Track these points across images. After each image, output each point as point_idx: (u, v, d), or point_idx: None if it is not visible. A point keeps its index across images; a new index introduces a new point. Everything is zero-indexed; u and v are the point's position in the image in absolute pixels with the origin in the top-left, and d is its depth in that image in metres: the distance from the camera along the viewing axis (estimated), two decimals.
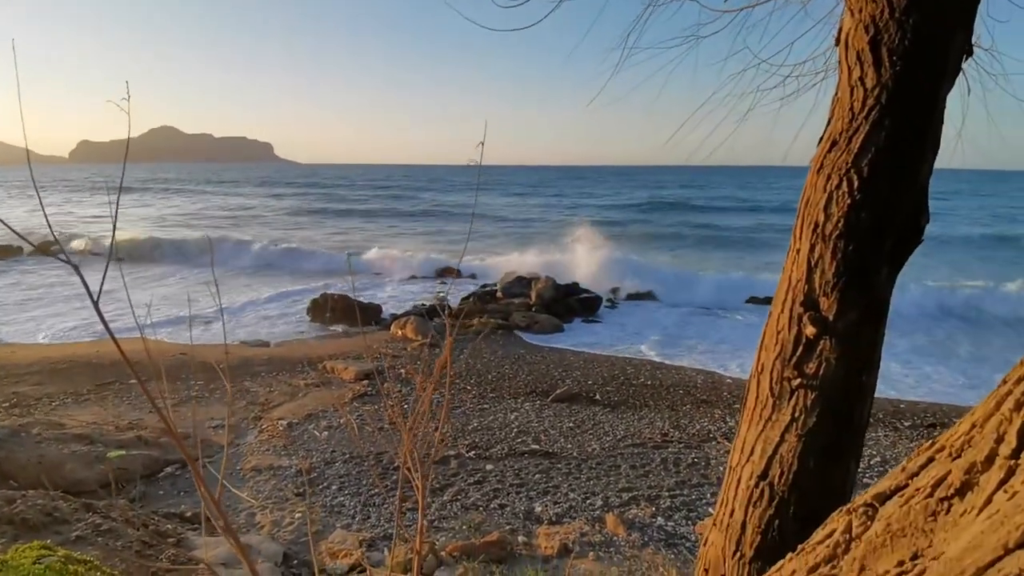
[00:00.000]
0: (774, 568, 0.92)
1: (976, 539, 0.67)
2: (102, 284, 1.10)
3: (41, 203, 1.02)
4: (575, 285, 19.29)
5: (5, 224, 1.06)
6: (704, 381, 11.31)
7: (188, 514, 6.38)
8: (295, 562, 5.61)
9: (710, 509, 6.67)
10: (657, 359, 13.13)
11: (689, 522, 6.46)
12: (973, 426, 0.76)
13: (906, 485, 0.83)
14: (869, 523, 0.81)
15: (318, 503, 6.84)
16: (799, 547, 0.91)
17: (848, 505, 0.86)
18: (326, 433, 8.71)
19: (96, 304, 1.13)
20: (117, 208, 1.16)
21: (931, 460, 0.82)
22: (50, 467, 7.09)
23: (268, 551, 5.53)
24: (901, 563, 0.73)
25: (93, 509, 5.38)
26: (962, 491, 0.73)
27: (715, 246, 32.62)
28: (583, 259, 22.83)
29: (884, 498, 0.84)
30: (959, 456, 0.77)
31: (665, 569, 5.55)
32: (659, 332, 15.65)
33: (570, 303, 17.62)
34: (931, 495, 0.76)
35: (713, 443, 8.48)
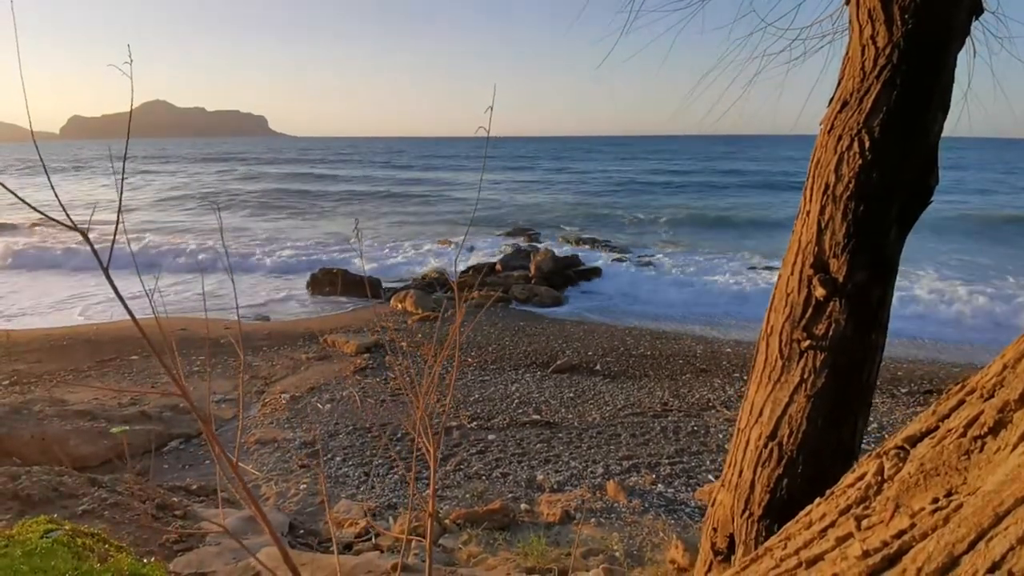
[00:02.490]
0: (802, 512, 0.94)
1: (1013, 472, 0.69)
2: (111, 253, 1.10)
3: (50, 180, 1.01)
4: (575, 257, 19.30)
5: (24, 201, 1.05)
6: (704, 351, 11.36)
7: (194, 487, 6.45)
8: (301, 532, 5.69)
9: (710, 476, 6.76)
10: (657, 329, 13.19)
11: (689, 489, 6.53)
12: (1005, 367, 0.78)
13: (937, 427, 0.85)
14: (901, 464, 0.84)
15: (323, 474, 6.91)
16: (828, 492, 0.93)
17: (878, 449, 0.88)
18: (329, 406, 8.76)
19: (107, 272, 1.12)
20: (123, 179, 1.15)
21: (962, 402, 0.85)
22: (53, 443, 7.13)
23: (274, 521, 5.59)
24: (936, 500, 0.76)
25: (99, 483, 5.43)
26: (995, 429, 0.76)
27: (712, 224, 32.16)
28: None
29: (915, 440, 0.87)
30: (991, 396, 0.79)
31: (665, 534, 5.64)
32: (660, 303, 15.69)
33: (569, 275, 17.63)
34: (964, 435, 0.79)
35: (712, 411, 8.55)
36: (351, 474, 6.85)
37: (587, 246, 23.73)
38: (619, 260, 20.83)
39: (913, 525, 0.75)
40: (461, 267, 19.40)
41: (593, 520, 5.92)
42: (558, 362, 10.53)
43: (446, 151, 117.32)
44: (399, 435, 7.62)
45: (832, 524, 0.86)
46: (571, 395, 9.18)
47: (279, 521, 5.64)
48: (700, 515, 6.08)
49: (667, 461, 7.09)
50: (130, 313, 1.18)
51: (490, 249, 22.50)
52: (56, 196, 0.98)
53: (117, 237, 1.27)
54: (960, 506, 0.72)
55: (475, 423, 8.12)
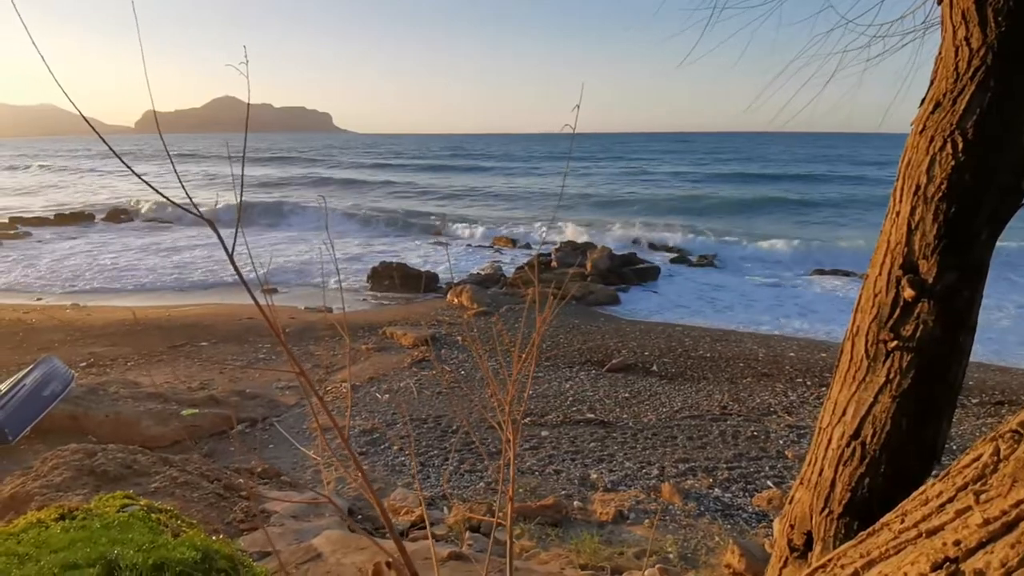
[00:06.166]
0: (917, 492, 1.01)
1: None
2: (235, 239, 1.19)
3: (176, 170, 1.10)
4: (632, 255, 19.15)
5: (165, 198, 1.15)
6: (766, 354, 11.12)
7: (259, 469, 6.70)
8: (359, 517, 5.86)
9: (769, 482, 6.65)
10: (717, 331, 12.97)
11: (747, 494, 6.44)
12: None
13: None
14: (1016, 445, 0.91)
15: (380, 462, 7.08)
16: (943, 472, 0.99)
17: (992, 433, 0.95)
18: (387, 396, 8.96)
19: (231, 257, 1.21)
20: (243, 171, 1.24)
21: None
22: (126, 423, 7.52)
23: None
24: None
25: (170, 463, 5.71)
26: None
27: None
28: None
29: None
30: None
31: (721, 538, 5.58)
32: (720, 304, 15.44)
33: (626, 272, 17.50)
34: None
35: (773, 417, 8.39)
36: (408, 463, 7.00)
37: (645, 245, 23.50)
38: (679, 260, 20.58)
39: None
40: (517, 263, 19.46)
41: (647, 521, 5.91)
42: (613, 361, 10.50)
43: (506, 148, 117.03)
44: (454, 428, 7.74)
45: (951, 500, 0.93)
46: (626, 395, 9.15)
47: (339, 505, 5.81)
48: (758, 521, 6.00)
49: (725, 465, 7.00)
50: (254, 299, 1.28)
51: (546, 246, 22.52)
52: (184, 190, 1.08)
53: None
54: None
55: (528, 419, 8.19)
